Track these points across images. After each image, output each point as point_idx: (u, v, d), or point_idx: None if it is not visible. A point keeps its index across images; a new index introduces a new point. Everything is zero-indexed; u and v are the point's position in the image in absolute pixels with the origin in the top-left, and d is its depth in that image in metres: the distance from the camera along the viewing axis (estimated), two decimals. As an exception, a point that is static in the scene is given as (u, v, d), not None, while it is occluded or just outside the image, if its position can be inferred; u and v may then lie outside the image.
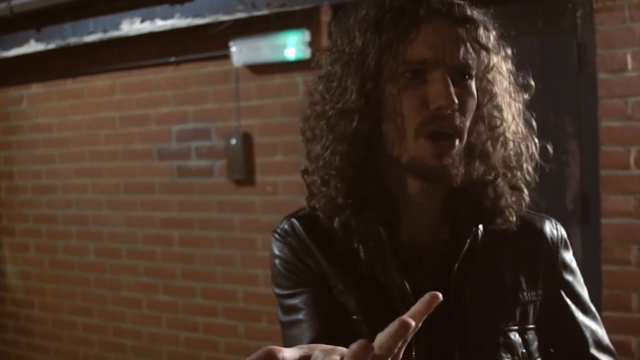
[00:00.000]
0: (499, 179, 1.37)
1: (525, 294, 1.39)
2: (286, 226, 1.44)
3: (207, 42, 4.71)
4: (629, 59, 3.48)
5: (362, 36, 1.33)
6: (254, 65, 4.51)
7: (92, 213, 5.47)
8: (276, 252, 1.44)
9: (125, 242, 5.29)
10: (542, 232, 1.44)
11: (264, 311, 4.65)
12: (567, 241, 1.47)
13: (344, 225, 1.37)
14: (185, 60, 4.90)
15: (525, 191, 1.42)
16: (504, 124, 1.37)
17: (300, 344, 1.17)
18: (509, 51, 1.41)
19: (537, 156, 1.44)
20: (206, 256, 4.91)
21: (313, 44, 4.34)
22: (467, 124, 1.30)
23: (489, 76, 1.35)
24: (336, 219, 1.37)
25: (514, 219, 1.38)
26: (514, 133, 1.40)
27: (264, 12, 4.29)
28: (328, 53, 1.41)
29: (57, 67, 5.53)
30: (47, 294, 5.82)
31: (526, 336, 1.38)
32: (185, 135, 4.95)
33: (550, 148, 1.49)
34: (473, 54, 1.30)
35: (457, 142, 1.29)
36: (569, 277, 1.45)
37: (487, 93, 1.35)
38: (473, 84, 1.31)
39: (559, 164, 3.73)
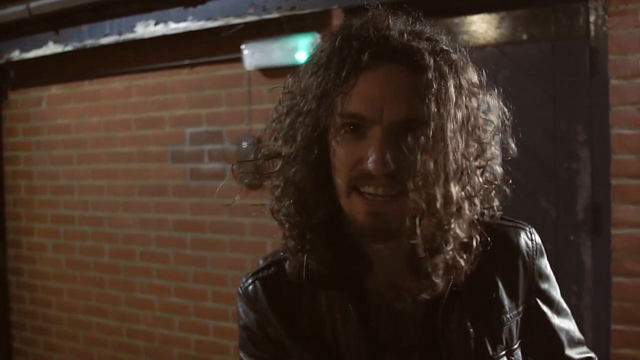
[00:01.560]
0: (455, 236, 1.24)
1: (509, 315, 1.36)
2: (250, 288, 1.39)
3: (220, 45, 4.70)
4: (641, 65, 3.40)
5: (310, 78, 1.23)
6: (265, 68, 4.49)
7: (108, 214, 5.48)
8: (240, 313, 1.41)
9: (139, 244, 5.30)
10: (518, 246, 1.39)
11: (274, 316, 4.61)
12: (542, 248, 1.43)
13: (311, 278, 1.31)
14: (199, 63, 4.89)
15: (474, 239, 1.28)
16: (456, 182, 1.21)
17: None
18: (481, 86, 1.27)
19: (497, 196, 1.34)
20: (217, 259, 4.90)
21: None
22: (411, 181, 1.16)
23: (442, 127, 1.17)
24: (303, 266, 1.32)
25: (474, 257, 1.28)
26: (470, 178, 1.24)
27: (275, 15, 4.26)
28: (286, 87, 1.33)
29: (75, 68, 5.57)
30: (63, 294, 5.86)
31: (513, 357, 1.37)
32: (199, 138, 4.95)
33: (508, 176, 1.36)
34: (421, 108, 1.15)
35: (391, 202, 1.18)
36: (545, 285, 1.42)
37: (439, 141, 1.17)
38: (419, 140, 1.15)
39: (570, 171, 3.65)
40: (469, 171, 1.22)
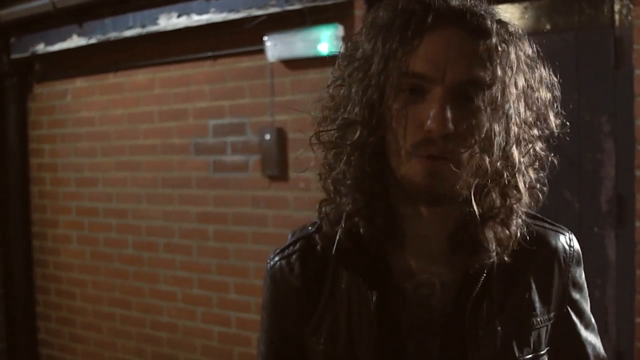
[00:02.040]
0: (511, 205, 1.26)
1: (539, 319, 1.33)
2: (276, 266, 1.40)
3: (243, 37, 4.70)
4: (667, 54, 3.36)
5: (370, 42, 1.23)
6: (288, 60, 4.49)
7: (132, 206, 5.51)
8: (265, 288, 1.43)
9: (162, 236, 5.33)
10: (556, 250, 1.37)
11: (296, 308, 4.62)
12: (580, 257, 1.41)
13: (343, 246, 1.30)
14: (222, 55, 4.90)
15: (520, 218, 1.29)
16: (516, 148, 1.24)
17: None
18: (535, 59, 1.27)
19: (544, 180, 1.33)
20: (240, 251, 4.91)
21: (347, 38, 4.30)
22: (467, 149, 1.17)
23: (504, 92, 1.19)
24: (340, 227, 1.29)
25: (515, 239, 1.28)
26: (528, 154, 1.27)
27: (297, 6, 4.26)
28: (342, 53, 1.32)
29: (99, 61, 5.60)
30: (88, 286, 5.90)
31: None
32: (222, 130, 4.96)
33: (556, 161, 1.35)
34: (483, 71, 1.16)
35: (451, 166, 1.17)
36: (577, 295, 1.40)
37: (501, 105, 1.19)
38: (481, 104, 1.17)
39: (594, 162, 3.62)
40: (529, 138, 1.25)
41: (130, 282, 5.57)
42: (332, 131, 1.29)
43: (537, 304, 1.33)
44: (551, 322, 1.35)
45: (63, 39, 5.54)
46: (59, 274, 6.14)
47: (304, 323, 1.35)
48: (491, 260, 1.25)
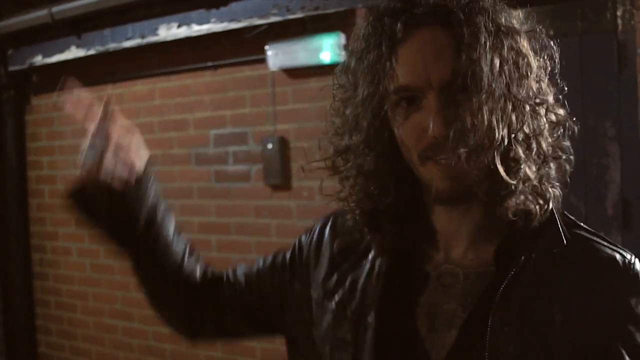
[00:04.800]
0: (539, 188, 1.23)
1: (575, 343, 1.18)
2: (339, 219, 1.48)
3: (243, 46, 4.69)
4: (670, 58, 3.37)
5: (355, 64, 1.25)
6: (289, 69, 4.48)
7: (132, 217, 5.48)
8: (314, 225, 1.54)
9: (164, 247, 5.30)
10: (609, 272, 1.22)
11: (301, 317, 4.61)
12: None
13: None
14: (223, 65, 4.89)
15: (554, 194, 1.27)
16: (527, 124, 1.21)
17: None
18: (513, 28, 1.24)
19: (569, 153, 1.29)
20: (243, 261, 4.82)
21: (348, 46, 4.29)
22: (475, 140, 1.16)
23: (493, 72, 1.17)
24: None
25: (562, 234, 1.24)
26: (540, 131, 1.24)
27: (299, 15, 4.26)
28: (335, 81, 1.35)
29: (98, 72, 5.57)
30: (89, 298, 5.87)
31: None
32: (223, 139, 4.95)
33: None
34: (464, 60, 1.15)
35: (466, 160, 1.16)
36: (632, 328, 1.19)
37: (484, 90, 1.17)
38: (477, 91, 1.15)
39: (599, 167, 3.62)
40: (524, 110, 1.21)
41: (131, 294, 5.54)
42: (343, 157, 1.32)
43: (571, 329, 1.18)
44: (590, 352, 1.19)
45: (61, 50, 5.52)
46: (59, 287, 6.11)
47: (320, 278, 1.44)
48: (522, 256, 1.23)
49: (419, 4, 1.20)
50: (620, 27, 3.58)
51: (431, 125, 1.16)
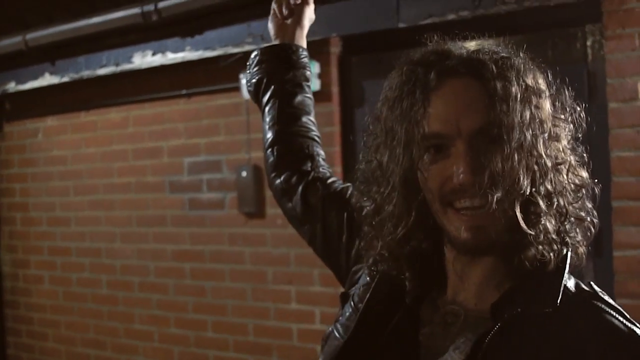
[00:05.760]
0: (553, 244, 1.22)
1: None
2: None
3: (218, 74, 4.71)
4: (639, 87, 3.43)
5: (387, 112, 1.27)
6: (264, 97, 4.49)
7: (105, 245, 5.46)
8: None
9: (137, 275, 5.28)
10: (619, 353, 1.17)
11: (275, 345, 4.60)
12: None
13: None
14: (197, 93, 4.91)
15: (582, 250, 1.27)
16: (549, 179, 1.21)
17: None
18: (551, 87, 1.29)
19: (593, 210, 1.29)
20: (217, 289, 4.88)
21: (322, 75, 4.33)
22: (500, 190, 1.16)
23: (526, 127, 1.18)
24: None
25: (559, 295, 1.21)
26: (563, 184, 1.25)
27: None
28: (366, 128, 1.37)
29: (71, 100, 5.57)
30: (61, 326, 5.82)
31: None
32: (197, 167, 4.95)
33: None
34: (494, 111, 1.17)
35: (487, 212, 1.17)
36: None
37: (512, 143, 1.18)
38: (503, 143, 1.17)
39: (571, 195, 3.66)
40: (547, 167, 1.21)
41: (104, 322, 5.50)
42: (373, 203, 1.32)
43: None
44: None
45: (35, 77, 5.51)
46: (31, 315, 6.05)
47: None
48: (518, 308, 1.21)
49: (452, 57, 1.23)
50: (590, 56, 3.64)
51: (458, 172, 1.17)
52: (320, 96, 4.34)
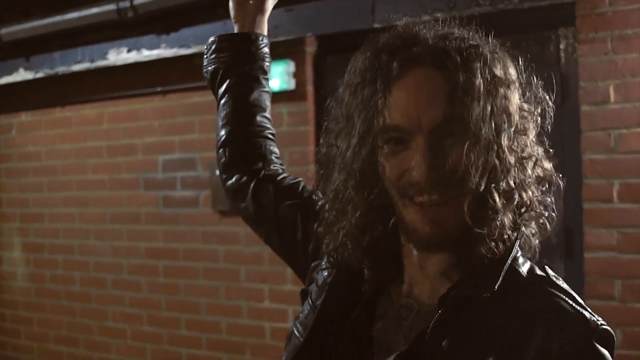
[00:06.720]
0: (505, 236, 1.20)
1: None
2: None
3: (193, 72, 4.68)
4: (611, 91, 3.45)
5: (349, 98, 1.25)
6: (239, 95, 4.49)
7: (79, 242, 5.43)
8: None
9: (111, 272, 5.26)
10: (569, 339, 1.13)
11: (248, 343, 4.60)
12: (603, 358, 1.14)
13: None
14: (172, 90, 4.89)
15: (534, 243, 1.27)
16: (511, 175, 1.19)
17: None
18: (511, 78, 1.22)
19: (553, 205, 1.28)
20: (191, 287, 4.87)
21: (297, 74, 4.33)
22: (456, 186, 1.16)
23: (477, 119, 1.15)
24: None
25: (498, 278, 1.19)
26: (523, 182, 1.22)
27: (248, 42, 4.27)
28: (328, 112, 1.35)
29: (46, 95, 5.53)
30: (33, 323, 5.78)
31: None
32: (171, 165, 4.93)
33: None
34: (457, 106, 1.14)
35: (447, 206, 1.17)
36: None
37: (473, 138, 1.15)
38: (464, 139, 1.15)
39: (542, 197, 3.68)
40: (510, 161, 1.19)
41: (77, 319, 5.47)
42: (333, 189, 1.31)
43: None
44: None
45: (9, 72, 5.47)
46: (3, 312, 6.00)
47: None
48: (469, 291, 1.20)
49: (418, 43, 1.19)
50: (563, 59, 3.67)
51: (417, 168, 1.15)
52: (295, 95, 4.35)
